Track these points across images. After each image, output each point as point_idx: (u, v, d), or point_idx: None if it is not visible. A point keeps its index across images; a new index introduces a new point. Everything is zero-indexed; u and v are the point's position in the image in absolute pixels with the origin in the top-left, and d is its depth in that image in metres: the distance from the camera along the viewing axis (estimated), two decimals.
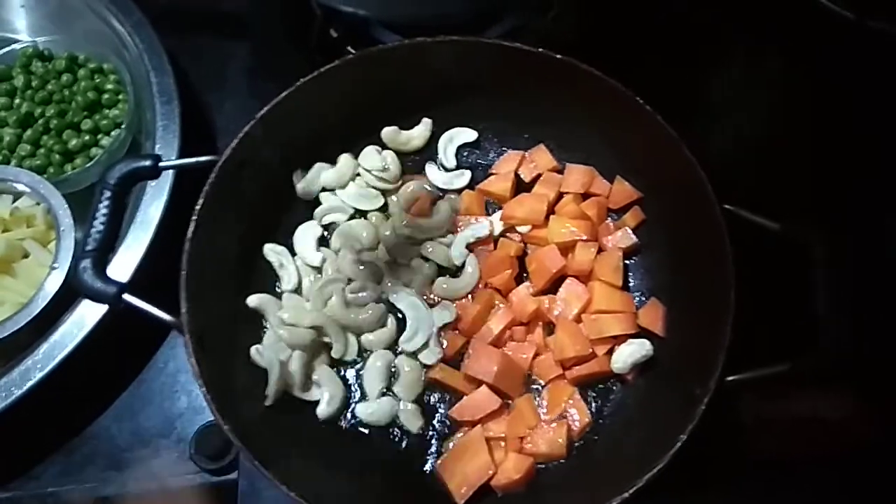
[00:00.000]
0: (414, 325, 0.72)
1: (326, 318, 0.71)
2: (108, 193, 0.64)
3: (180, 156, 0.82)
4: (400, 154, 0.81)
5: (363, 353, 0.73)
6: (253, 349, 0.70)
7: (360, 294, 0.73)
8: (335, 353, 0.72)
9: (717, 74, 0.94)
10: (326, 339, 0.72)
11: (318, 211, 0.78)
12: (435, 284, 0.75)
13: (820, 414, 0.74)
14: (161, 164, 0.68)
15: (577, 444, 0.69)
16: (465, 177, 0.81)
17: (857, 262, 0.73)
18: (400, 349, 0.72)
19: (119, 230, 0.67)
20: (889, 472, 0.72)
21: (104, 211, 0.64)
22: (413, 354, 0.72)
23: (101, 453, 0.77)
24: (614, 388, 0.72)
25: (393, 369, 0.72)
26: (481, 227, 0.77)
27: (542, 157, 0.81)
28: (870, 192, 0.82)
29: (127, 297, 0.64)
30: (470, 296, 0.75)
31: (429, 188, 0.80)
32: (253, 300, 0.72)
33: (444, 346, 0.73)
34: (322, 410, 0.69)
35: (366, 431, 0.71)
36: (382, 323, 0.73)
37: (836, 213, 0.79)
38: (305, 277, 0.75)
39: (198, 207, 0.67)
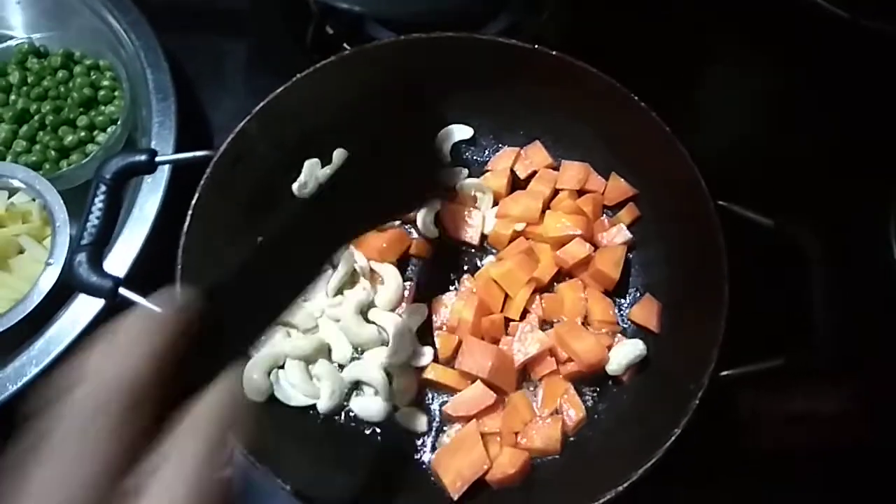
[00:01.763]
0: (395, 342, 0.71)
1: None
2: (103, 188, 0.64)
3: (176, 152, 0.82)
4: None
5: (359, 349, 0.73)
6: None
7: None
8: (337, 359, 0.72)
9: (711, 72, 0.94)
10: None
11: None
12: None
13: (814, 409, 0.74)
14: (157, 158, 0.68)
15: (571, 440, 0.70)
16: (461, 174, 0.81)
17: (850, 258, 0.74)
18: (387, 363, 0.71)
19: (115, 225, 0.67)
20: (881, 467, 0.72)
21: (100, 205, 0.64)
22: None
23: None
24: (609, 383, 0.72)
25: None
26: None
27: (537, 154, 0.81)
28: (863, 189, 0.82)
29: (123, 291, 0.64)
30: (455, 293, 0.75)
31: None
32: None
33: (436, 347, 0.72)
34: (323, 404, 0.69)
35: (361, 426, 0.71)
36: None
37: (829, 210, 0.79)
38: None
39: (194, 202, 0.67)
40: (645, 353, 0.70)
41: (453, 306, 0.73)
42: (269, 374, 0.69)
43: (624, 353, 0.70)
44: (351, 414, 0.71)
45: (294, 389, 0.69)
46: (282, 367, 0.70)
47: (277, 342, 0.70)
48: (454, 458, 0.67)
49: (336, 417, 0.71)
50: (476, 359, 0.69)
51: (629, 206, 0.78)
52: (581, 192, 0.79)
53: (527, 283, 0.73)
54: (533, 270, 0.74)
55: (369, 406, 0.70)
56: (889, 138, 0.85)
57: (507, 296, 0.74)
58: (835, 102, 0.89)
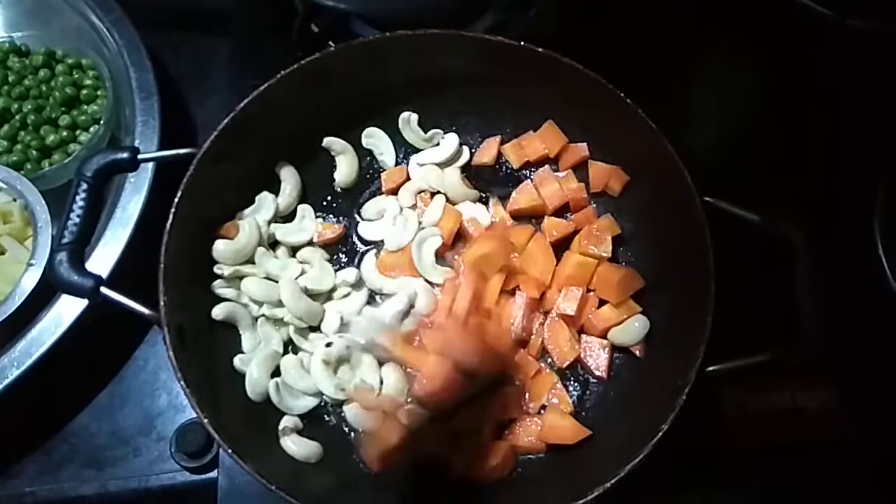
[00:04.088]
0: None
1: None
2: (84, 186, 0.63)
3: (159, 150, 0.81)
4: None
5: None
6: (237, 359, 0.69)
7: None
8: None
9: (698, 69, 0.95)
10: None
11: None
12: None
13: (800, 405, 0.75)
14: (139, 156, 0.67)
15: None
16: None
17: (836, 254, 0.74)
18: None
19: (96, 223, 0.66)
20: (865, 462, 0.73)
21: (81, 204, 0.63)
22: None
23: (79, 452, 0.76)
24: (594, 380, 0.72)
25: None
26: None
27: (531, 144, 0.80)
28: (849, 186, 0.83)
29: (105, 290, 0.63)
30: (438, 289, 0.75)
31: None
32: (219, 311, 0.70)
33: None
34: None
35: (346, 428, 0.70)
36: None
37: (815, 206, 0.79)
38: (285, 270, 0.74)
39: (177, 199, 0.66)
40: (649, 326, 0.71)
41: (441, 302, 0.73)
42: (269, 374, 0.69)
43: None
44: (340, 416, 0.70)
45: (294, 394, 0.69)
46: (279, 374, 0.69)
47: (272, 338, 0.71)
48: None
49: (323, 417, 0.70)
50: (437, 334, 0.68)
51: (616, 172, 0.77)
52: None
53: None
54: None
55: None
56: (874, 135, 0.86)
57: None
58: (820, 100, 0.90)
